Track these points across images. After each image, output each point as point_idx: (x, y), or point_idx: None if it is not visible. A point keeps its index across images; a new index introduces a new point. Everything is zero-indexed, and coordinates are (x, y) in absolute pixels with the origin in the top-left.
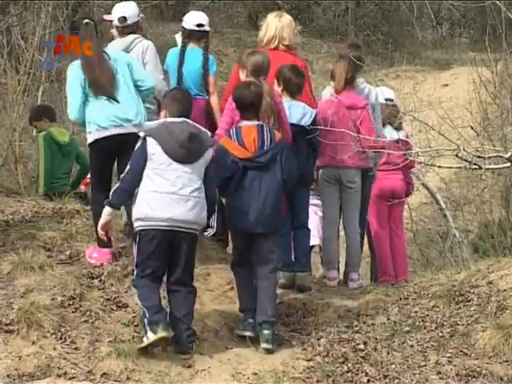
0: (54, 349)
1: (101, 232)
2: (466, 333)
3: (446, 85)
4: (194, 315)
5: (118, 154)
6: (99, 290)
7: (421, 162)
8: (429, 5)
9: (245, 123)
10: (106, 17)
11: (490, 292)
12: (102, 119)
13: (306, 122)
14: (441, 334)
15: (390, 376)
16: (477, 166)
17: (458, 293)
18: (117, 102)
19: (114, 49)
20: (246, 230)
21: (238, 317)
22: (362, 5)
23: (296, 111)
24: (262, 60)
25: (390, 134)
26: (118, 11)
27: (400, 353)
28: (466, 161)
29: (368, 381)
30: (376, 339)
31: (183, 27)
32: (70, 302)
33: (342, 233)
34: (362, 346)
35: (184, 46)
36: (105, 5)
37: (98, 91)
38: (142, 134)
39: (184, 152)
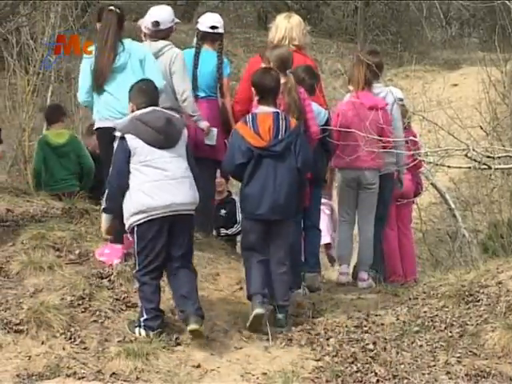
0: (64, 349)
1: (106, 236)
2: (476, 333)
3: (456, 85)
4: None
5: None
6: (108, 289)
7: (430, 162)
8: (438, 4)
9: (261, 110)
10: (140, 21)
11: (500, 292)
12: (103, 109)
13: (320, 122)
14: (450, 334)
15: (400, 376)
16: (486, 166)
17: (467, 293)
18: (106, 93)
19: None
20: (260, 217)
21: (247, 316)
22: (371, 4)
23: None
24: (287, 53)
25: None
26: (152, 15)
27: (409, 353)
28: (475, 161)
29: (377, 381)
30: (385, 339)
31: (197, 29)
32: (80, 302)
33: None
34: (371, 346)
35: (198, 48)
36: (114, 5)
37: (94, 79)
38: (118, 134)
39: (163, 138)
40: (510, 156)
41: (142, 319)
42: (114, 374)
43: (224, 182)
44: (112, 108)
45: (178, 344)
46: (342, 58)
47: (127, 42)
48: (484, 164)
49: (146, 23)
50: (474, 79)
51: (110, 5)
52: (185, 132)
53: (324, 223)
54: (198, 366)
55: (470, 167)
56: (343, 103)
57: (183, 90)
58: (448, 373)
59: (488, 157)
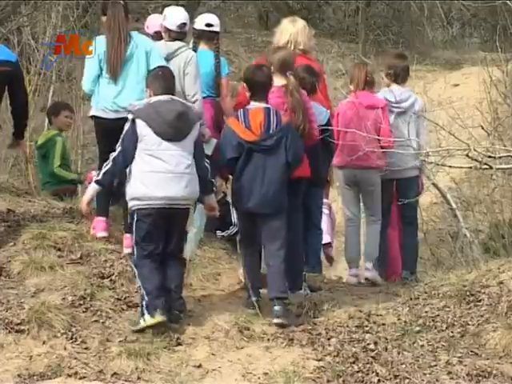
0: (65, 348)
1: (85, 207)
2: (477, 333)
3: (457, 85)
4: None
5: (113, 137)
6: (110, 289)
7: (431, 162)
8: (439, 5)
9: (253, 106)
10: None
11: (501, 292)
12: (101, 99)
13: (320, 121)
14: (451, 334)
15: (401, 376)
16: (487, 166)
17: (468, 293)
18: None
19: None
20: (251, 210)
21: (248, 317)
22: (372, 4)
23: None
24: (288, 55)
25: None
26: (178, 16)
27: (410, 353)
28: (476, 161)
29: (378, 381)
30: (386, 339)
31: (194, 28)
32: (81, 302)
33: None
34: (372, 346)
35: (195, 48)
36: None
37: (108, 70)
38: (130, 116)
39: (173, 131)
40: (511, 156)
41: (144, 303)
42: (115, 373)
43: (223, 183)
44: (111, 100)
45: (179, 344)
46: (344, 58)
47: (134, 33)
48: (485, 164)
49: (167, 24)
50: (476, 79)
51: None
52: (197, 126)
53: (323, 223)
54: (199, 366)
55: (471, 167)
56: (343, 103)
57: (195, 92)
58: (449, 373)
59: (489, 157)
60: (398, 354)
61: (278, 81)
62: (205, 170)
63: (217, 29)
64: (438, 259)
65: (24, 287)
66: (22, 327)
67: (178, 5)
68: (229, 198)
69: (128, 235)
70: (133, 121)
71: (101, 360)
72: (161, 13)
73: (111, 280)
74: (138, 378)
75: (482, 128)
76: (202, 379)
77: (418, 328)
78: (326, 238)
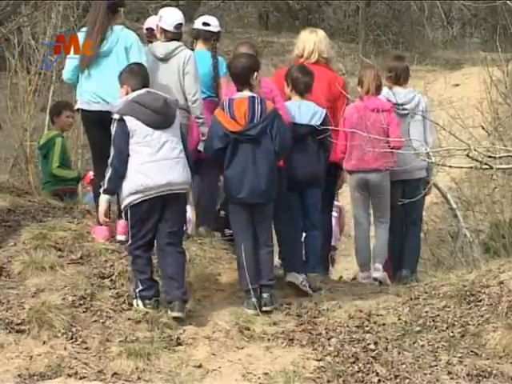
0: (65, 348)
1: (103, 219)
2: (477, 333)
3: (457, 85)
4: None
5: (99, 129)
6: (110, 289)
7: (432, 162)
8: (440, 4)
9: (237, 95)
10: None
11: (501, 292)
12: (83, 92)
13: (315, 121)
14: (452, 334)
15: (401, 376)
16: (488, 166)
17: (468, 293)
18: (89, 76)
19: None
20: (242, 200)
21: (248, 317)
22: (372, 4)
23: (306, 111)
24: (248, 50)
25: None
26: (174, 17)
27: (411, 353)
28: (476, 161)
29: (379, 381)
30: (387, 339)
31: (192, 28)
32: (81, 302)
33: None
34: (372, 346)
35: (192, 48)
36: None
37: (80, 62)
38: (116, 117)
39: (162, 118)
40: (511, 156)
41: (137, 290)
42: (115, 373)
43: None
44: (92, 92)
45: (180, 344)
46: (344, 58)
47: (118, 28)
48: (485, 164)
49: (163, 25)
50: (476, 79)
51: None
52: (177, 113)
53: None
54: (200, 366)
55: (471, 167)
56: (349, 107)
57: (195, 91)
58: (449, 373)
59: (489, 157)
60: (399, 354)
61: None
62: (189, 157)
63: (214, 29)
64: (439, 259)
65: (24, 287)
66: (23, 327)
67: (178, 5)
68: None
69: (121, 222)
70: (120, 120)
71: (101, 360)
72: None
73: (111, 280)
74: (139, 378)
75: (483, 128)
76: (203, 379)
77: (418, 328)
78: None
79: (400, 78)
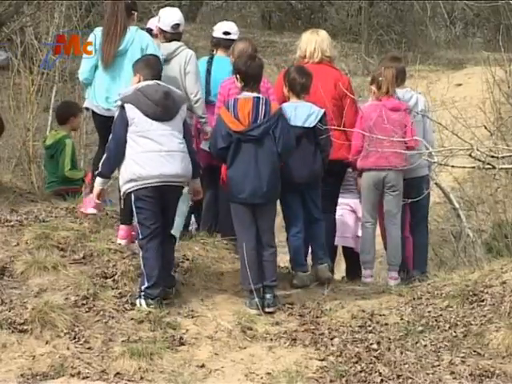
0: (68, 348)
1: (96, 201)
2: (480, 333)
3: (460, 84)
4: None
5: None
6: (112, 289)
7: (434, 162)
8: (442, 4)
9: (243, 95)
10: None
11: (504, 292)
12: (96, 94)
13: (310, 123)
14: (454, 334)
15: (404, 376)
16: (490, 166)
17: (471, 293)
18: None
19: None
20: (243, 200)
21: (251, 317)
22: (375, 4)
23: (301, 113)
24: (248, 47)
25: None
26: (171, 17)
27: (413, 353)
28: (479, 160)
29: (381, 381)
30: (389, 339)
31: (212, 37)
32: (84, 302)
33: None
34: (375, 346)
35: (212, 55)
36: None
37: (101, 61)
38: (119, 103)
39: (161, 110)
40: None
41: (143, 287)
42: (118, 373)
43: None
44: (104, 97)
45: (182, 344)
46: (346, 58)
47: (133, 28)
48: (488, 164)
49: (161, 25)
50: (478, 79)
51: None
52: (184, 107)
53: (351, 225)
54: (202, 366)
55: (474, 167)
56: (366, 106)
57: (197, 90)
58: (452, 373)
59: (492, 156)
60: (401, 353)
61: None
62: (193, 153)
63: (234, 37)
64: (441, 259)
65: (27, 287)
66: (25, 327)
67: (180, 5)
68: None
69: (123, 226)
70: (122, 106)
71: (104, 360)
72: None
73: (114, 280)
74: (141, 378)
75: (485, 128)
76: (205, 379)
77: (420, 328)
78: (349, 242)
79: (397, 78)
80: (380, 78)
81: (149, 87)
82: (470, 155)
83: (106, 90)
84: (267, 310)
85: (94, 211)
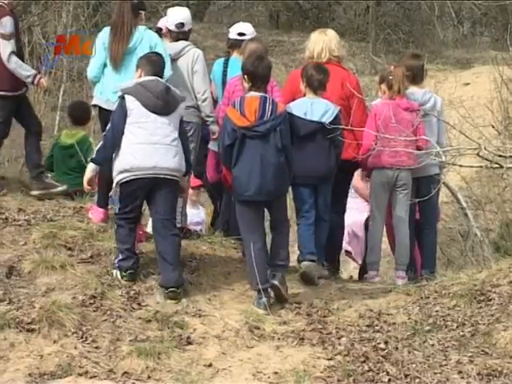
0: (75, 348)
1: (86, 187)
2: (488, 332)
3: (467, 84)
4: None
5: None
6: (120, 288)
7: (442, 161)
8: (450, 3)
9: (250, 94)
10: (160, 24)
11: None
12: (105, 90)
13: (327, 119)
14: (462, 334)
15: (411, 375)
16: (498, 165)
17: (479, 292)
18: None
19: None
20: (248, 198)
21: (259, 316)
22: (382, 4)
23: (318, 108)
24: (258, 47)
25: None
26: (176, 16)
27: (421, 352)
28: (487, 160)
29: (389, 380)
30: (397, 338)
31: (228, 38)
32: (91, 301)
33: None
34: (382, 345)
35: (228, 56)
36: None
37: (110, 60)
38: (119, 94)
39: (161, 103)
40: None
41: (116, 260)
42: (125, 373)
43: None
44: (112, 93)
45: (190, 343)
46: (354, 57)
47: (142, 27)
48: (496, 163)
49: (167, 24)
50: (486, 78)
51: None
52: (181, 106)
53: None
54: (210, 365)
55: (481, 166)
56: (378, 104)
57: (204, 89)
58: (460, 372)
59: (500, 156)
60: (409, 353)
61: None
62: (188, 152)
63: (249, 37)
64: (449, 258)
65: (35, 286)
66: (33, 326)
67: (188, 5)
68: None
69: (100, 209)
70: (122, 97)
71: (111, 359)
72: None
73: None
74: (149, 377)
75: (493, 127)
76: (213, 378)
77: (428, 327)
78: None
79: (417, 76)
80: (390, 77)
81: (150, 82)
82: (477, 154)
83: (114, 86)
84: (273, 282)
85: (101, 224)
